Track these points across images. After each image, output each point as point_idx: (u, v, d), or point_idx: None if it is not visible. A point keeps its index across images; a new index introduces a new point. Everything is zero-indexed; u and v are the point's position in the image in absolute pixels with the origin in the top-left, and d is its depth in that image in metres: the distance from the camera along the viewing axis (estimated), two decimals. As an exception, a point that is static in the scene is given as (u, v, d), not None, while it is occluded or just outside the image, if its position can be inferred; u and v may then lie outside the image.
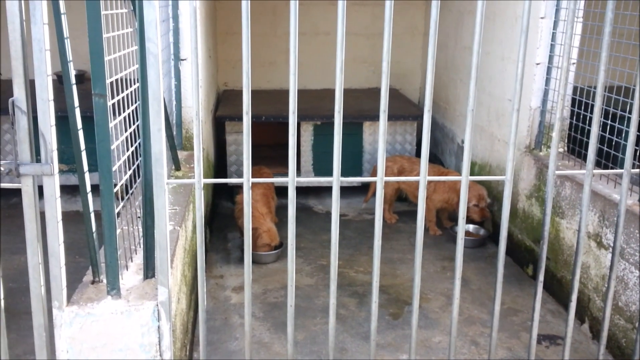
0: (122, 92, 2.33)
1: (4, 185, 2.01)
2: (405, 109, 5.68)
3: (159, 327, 1.98)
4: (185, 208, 3.10)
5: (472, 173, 5.12)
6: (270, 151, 5.85)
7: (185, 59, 3.99)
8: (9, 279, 3.68)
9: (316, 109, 5.58)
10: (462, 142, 5.50)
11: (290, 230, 1.91)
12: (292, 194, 1.88)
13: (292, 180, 1.87)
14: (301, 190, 5.69)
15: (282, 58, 6.48)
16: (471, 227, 4.68)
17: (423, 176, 1.93)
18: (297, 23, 1.73)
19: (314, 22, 6.40)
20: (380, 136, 1.86)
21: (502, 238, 2.00)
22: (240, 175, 5.45)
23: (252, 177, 1.89)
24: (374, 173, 5.29)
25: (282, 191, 5.04)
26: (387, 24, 1.78)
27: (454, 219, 4.95)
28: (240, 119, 5.36)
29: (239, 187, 4.78)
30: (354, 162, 5.56)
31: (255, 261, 4.19)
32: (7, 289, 3.12)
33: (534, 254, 4.05)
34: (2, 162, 1.87)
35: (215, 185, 5.31)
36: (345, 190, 5.59)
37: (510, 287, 3.90)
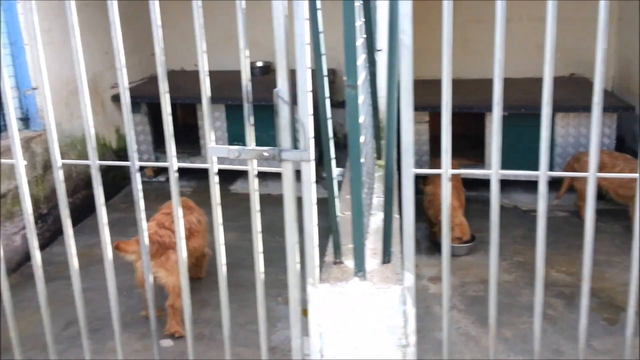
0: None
1: (264, 169, 2.20)
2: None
3: (404, 311, 2.03)
4: (392, 197, 3.14)
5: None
6: (453, 142, 5.73)
7: (380, 50, 4.04)
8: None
9: (503, 99, 5.34)
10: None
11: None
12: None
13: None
14: (485, 183, 5.48)
15: (458, 48, 6.30)
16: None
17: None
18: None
19: (489, 9, 6.12)
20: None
21: None
22: (421, 166, 5.41)
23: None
24: (567, 168, 4.95)
25: (466, 184, 4.91)
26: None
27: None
28: (421, 108, 5.32)
29: (426, 178, 4.75)
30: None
31: (446, 253, 4.18)
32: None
33: None
34: (266, 148, 2.04)
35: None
36: (536, 185, 5.30)
37: None
